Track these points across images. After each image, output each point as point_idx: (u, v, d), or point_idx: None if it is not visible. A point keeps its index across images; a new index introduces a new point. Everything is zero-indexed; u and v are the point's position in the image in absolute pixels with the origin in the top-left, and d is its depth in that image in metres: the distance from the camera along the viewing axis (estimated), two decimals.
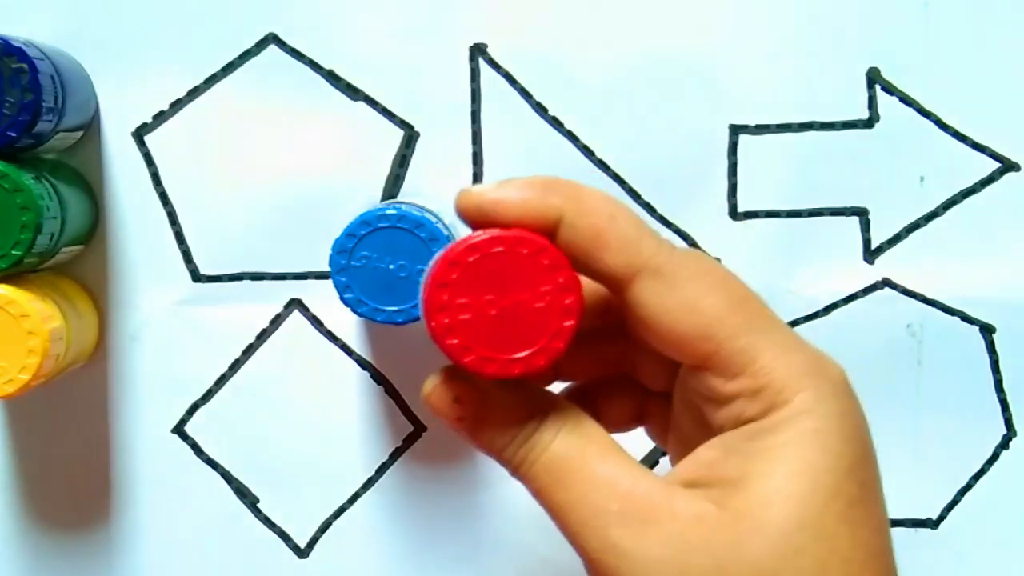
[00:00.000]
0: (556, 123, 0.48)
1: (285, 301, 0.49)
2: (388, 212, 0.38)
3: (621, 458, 0.28)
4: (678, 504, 0.27)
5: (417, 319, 0.32)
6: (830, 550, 0.26)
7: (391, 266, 0.36)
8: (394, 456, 0.50)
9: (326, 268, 0.49)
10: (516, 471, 0.29)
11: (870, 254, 0.49)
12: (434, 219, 0.40)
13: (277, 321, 0.50)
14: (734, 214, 0.49)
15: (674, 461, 0.34)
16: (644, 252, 0.28)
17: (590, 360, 0.34)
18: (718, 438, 0.29)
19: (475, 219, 0.29)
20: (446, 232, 0.38)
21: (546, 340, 0.27)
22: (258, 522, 0.50)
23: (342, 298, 0.36)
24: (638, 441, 0.35)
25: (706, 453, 0.28)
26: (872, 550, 0.27)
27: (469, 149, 0.48)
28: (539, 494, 0.29)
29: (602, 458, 0.28)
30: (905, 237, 0.49)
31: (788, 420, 0.27)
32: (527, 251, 0.27)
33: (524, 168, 0.48)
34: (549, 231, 0.28)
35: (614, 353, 0.34)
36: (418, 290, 0.30)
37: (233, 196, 0.49)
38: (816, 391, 0.27)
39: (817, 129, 0.48)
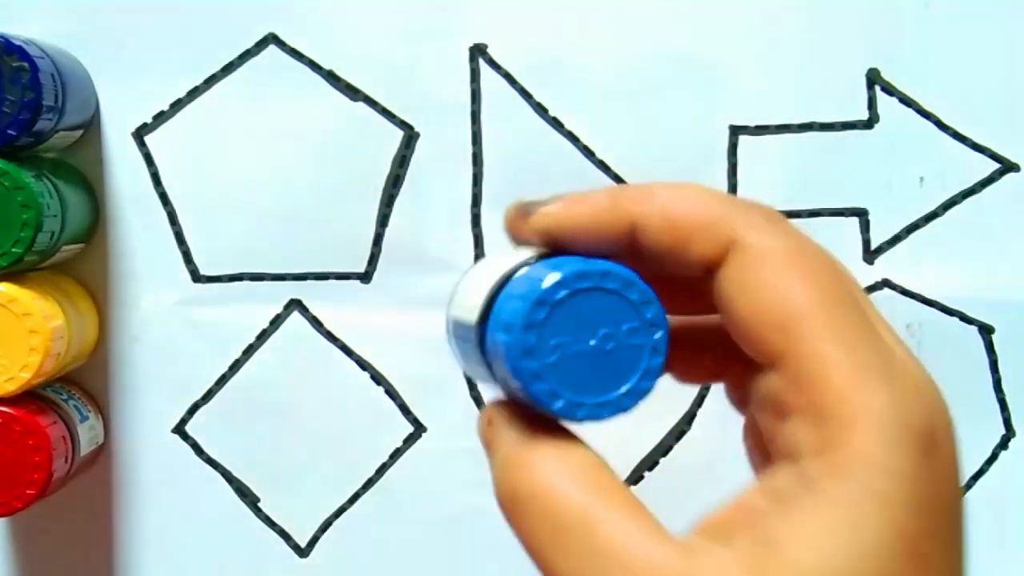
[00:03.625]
0: (556, 123, 0.48)
1: (285, 302, 0.49)
2: (590, 270, 0.26)
3: (635, 522, 0.23)
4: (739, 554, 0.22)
5: (627, 410, 0.26)
6: None
7: (592, 341, 0.26)
8: (394, 456, 0.50)
9: (326, 268, 0.49)
10: (507, 508, 0.27)
11: (870, 254, 0.49)
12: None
13: (277, 322, 0.50)
14: None
15: (748, 444, 0.30)
16: (733, 229, 0.25)
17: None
18: (770, 476, 0.24)
19: (543, 241, 0.27)
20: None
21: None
22: (258, 522, 0.50)
23: (529, 390, 0.25)
24: (631, 445, 0.35)
25: (752, 497, 0.24)
26: None
27: (469, 149, 0.48)
28: (527, 542, 0.26)
29: (611, 521, 0.23)
30: (905, 238, 0.49)
31: (849, 469, 0.22)
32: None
33: (524, 168, 0.48)
34: (626, 241, 0.26)
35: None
36: (631, 366, 0.25)
37: (233, 196, 0.49)
38: (892, 438, 0.22)
39: (817, 129, 0.48)
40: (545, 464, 0.25)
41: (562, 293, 0.25)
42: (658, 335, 0.25)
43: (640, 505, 0.24)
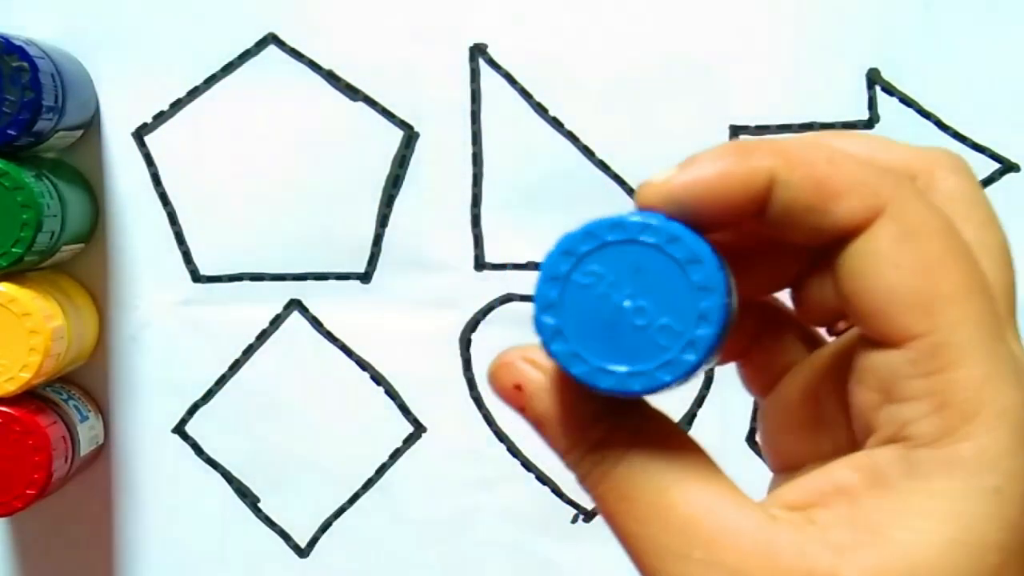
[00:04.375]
0: (556, 123, 0.48)
1: (285, 302, 0.49)
2: (630, 220, 0.23)
3: (713, 488, 0.22)
4: (783, 558, 0.21)
5: (666, 385, 0.22)
6: None
7: (626, 303, 0.22)
8: (394, 456, 0.50)
9: (326, 268, 0.49)
10: (582, 482, 0.24)
11: None
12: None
13: (277, 322, 0.50)
14: None
15: (766, 421, 0.29)
16: (884, 192, 0.23)
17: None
18: (866, 456, 0.23)
19: (670, 214, 0.24)
20: (717, 259, 0.23)
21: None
22: (258, 522, 0.50)
23: (550, 350, 0.22)
24: None
25: (843, 473, 0.23)
26: None
27: (469, 149, 0.48)
28: (607, 518, 0.23)
29: (687, 489, 0.22)
30: None
31: (965, 463, 0.21)
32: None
33: (524, 168, 0.48)
34: (760, 201, 0.23)
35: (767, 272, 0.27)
36: (672, 335, 0.22)
37: (233, 196, 0.49)
38: (1013, 437, 0.21)
39: (817, 129, 0.48)
40: (628, 434, 0.23)
41: (589, 244, 0.22)
42: (706, 302, 0.22)
43: (721, 474, 0.23)
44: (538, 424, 0.24)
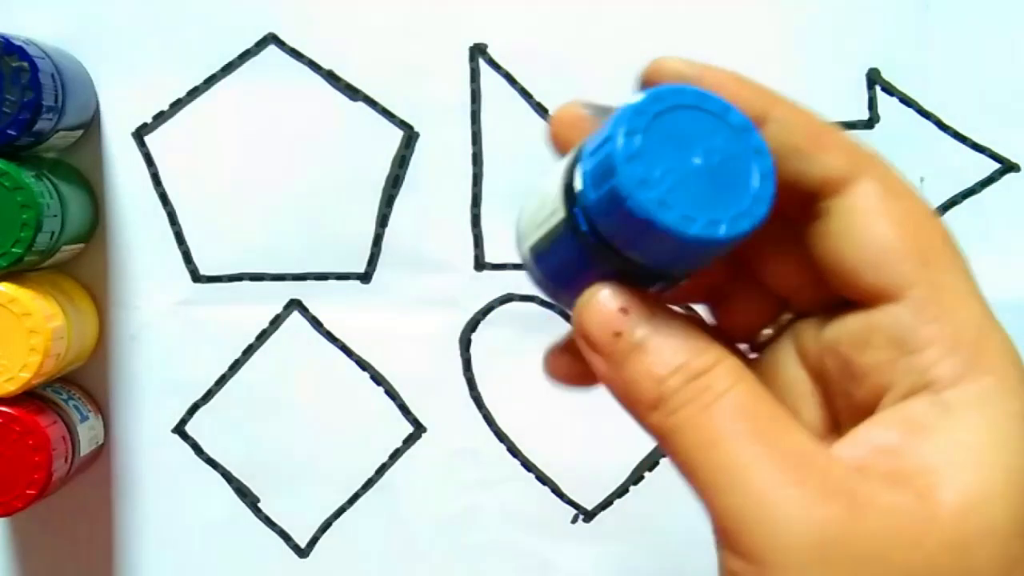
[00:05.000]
0: None
1: (285, 302, 0.49)
2: (690, 89, 0.24)
3: (801, 427, 0.23)
4: (881, 495, 0.22)
5: (744, 234, 0.23)
6: None
7: (696, 160, 0.23)
8: (394, 456, 0.50)
9: (326, 268, 0.49)
10: (667, 417, 0.23)
11: None
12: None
13: (277, 322, 0.49)
14: None
15: None
16: (864, 156, 0.24)
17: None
18: (896, 412, 0.23)
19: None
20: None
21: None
22: (258, 522, 0.50)
23: (660, 221, 0.22)
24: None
25: (880, 434, 0.23)
26: None
27: (469, 149, 0.48)
28: (695, 450, 0.23)
29: (785, 425, 0.23)
30: None
31: (990, 394, 0.23)
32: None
33: (524, 168, 0.48)
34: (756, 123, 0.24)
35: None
36: (743, 178, 0.23)
37: (233, 196, 0.49)
38: (1018, 368, 0.23)
39: None
40: (727, 370, 0.23)
41: (660, 106, 0.23)
42: (762, 163, 0.23)
43: (799, 451, 0.23)
44: (630, 354, 0.24)
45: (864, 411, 0.24)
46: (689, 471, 0.23)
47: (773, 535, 0.21)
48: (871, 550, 0.21)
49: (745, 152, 0.23)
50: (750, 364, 0.27)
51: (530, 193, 0.27)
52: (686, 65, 0.25)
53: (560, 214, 0.24)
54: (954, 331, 0.23)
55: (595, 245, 0.23)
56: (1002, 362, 0.23)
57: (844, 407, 0.25)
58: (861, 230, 0.24)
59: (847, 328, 0.25)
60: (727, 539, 0.22)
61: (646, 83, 0.25)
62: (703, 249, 0.23)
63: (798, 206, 0.25)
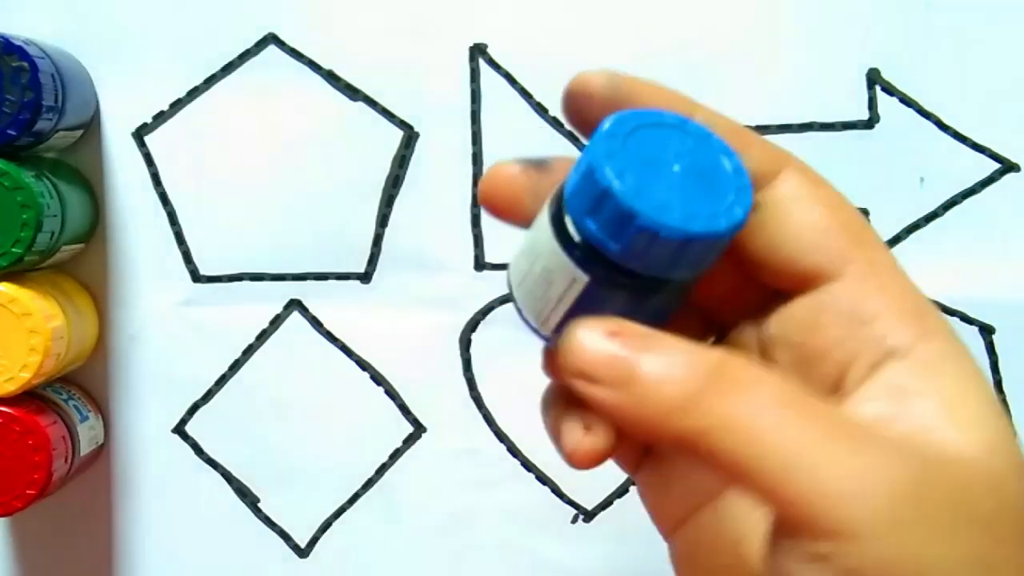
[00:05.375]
0: (556, 123, 0.48)
1: (285, 302, 0.49)
2: (670, 114, 0.26)
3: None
4: (933, 449, 0.23)
5: (722, 236, 0.24)
6: None
7: (676, 167, 0.24)
8: (394, 456, 0.50)
9: (326, 268, 0.49)
10: (701, 418, 0.22)
11: None
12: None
13: (277, 322, 0.50)
14: None
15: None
16: (782, 151, 0.26)
17: None
18: (876, 383, 0.24)
19: (607, 100, 0.26)
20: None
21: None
22: (258, 522, 0.50)
23: (660, 223, 0.23)
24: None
25: (869, 407, 0.24)
26: None
27: (469, 149, 0.48)
28: (745, 445, 0.22)
29: (822, 403, 0.24)
30: (905, 238, 0.49)
31: (948, 354, 0.24)
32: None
33: None
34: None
35: None
36: (723, 182, 0.24)
37: (233, 196, 0.49)
38: (952, 331, 0.25)
39: (817, 129, 0.48)
40: (747, 366, 0.23)
41: (638, 122, 0.25)
42: (739, 180, 0.24)
43: (847, 423, 0.23)
44: (643, 364, 0.23)
45: (830, 390, 0.25)
46: (740, 468, 0.22)
47: (860, 506, 0.21)
48: (952, 498, 0.22)
49: (712, 153, 0.25)
50: None
51: (518, 255, 0.28)
52: (608, 78, 0.26)
53: (564, 263, 0.25)
54: (897, 301, 0.24)
55: (605, 279, 0.24)
56: (942, 326, 0.24)
57: (814, 383, 0.26)
58: (794, 216, 0.25)
59: (793, 316, 0.26)
60: (806, 525, 0.22)
61: (573, 97, 0.27)
62: (709, 245, 0.24)
63: None
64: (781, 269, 0.25)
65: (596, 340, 0.24)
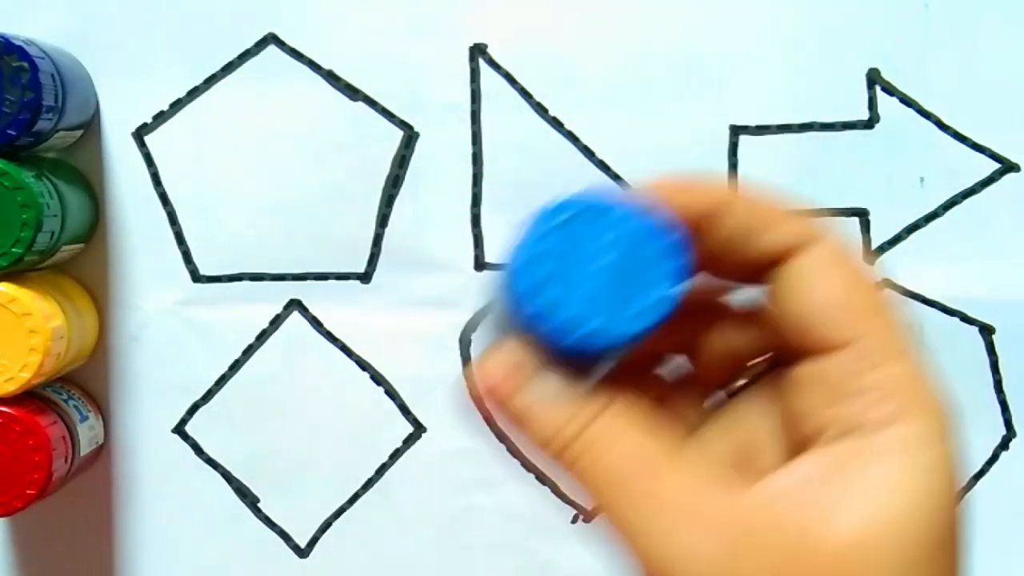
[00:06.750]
0: (556, 123, 0.48)
1: (285, 302, 0.49)
2: (565, 201, 0.25)
3: (696, 467, 0.26)
4: (765, 532, 0.24)
5: (636, 337, 0.24)
6: None
7: (601, 261, 0.24)
8: (394, 456, 0.50)
9: (326, 268, 0.49)
10: (569, 468, 0.26)
11: (870, 255, 0.49)
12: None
13: (277, 322, 0.50)
14: None
15: None
16: (810, 225, 0.27)
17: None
18: (824, 449, 0.26)
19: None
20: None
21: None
22: (258, 522, 0.50)
23: (551, 323, 0.24)
24: None
25: (806, 468, 0.25)
26: None
27: (469, 149, 0.48)
28: (598, 496, 0.26)
29: (673, 468, 0.25)
30: (905, 238, 0.49)
31: (914, 439, 0.25)
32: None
33: (524, 168, 0.48)
34: (701, 221, 0.27)
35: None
36: (652, 274, 0.24)
37: (233, 196, 0.49)
38: (946, 415, 0.25)
39: (817, 130, 0.48)
40: (612, 420, 0.26)
41: (566, 214, 0.25)
42: (672, 263, 0.25)
43: (696, 451, 0.26)
44: (519, 417, 0.27)
45: (804, 449, 0.27)
46: (599, 505, 0.25)
47: (680, 571, 0.24)
48: None
49: (644, 239, 0.25)
50: (710, 411, 0.30)
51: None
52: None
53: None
54: (892, 378, 0.25)
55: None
56: (932, 409, 0.25)
57: (796, 445, 0.27)
58: (812, 291, 0.26)
59: (799, 374, 0.27)
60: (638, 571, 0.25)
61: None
62: (621, 348, 0.25)
63: (755, 273, 0.27)
64: (797, 333, 0.27)
65: (495, 370, 0.27)
